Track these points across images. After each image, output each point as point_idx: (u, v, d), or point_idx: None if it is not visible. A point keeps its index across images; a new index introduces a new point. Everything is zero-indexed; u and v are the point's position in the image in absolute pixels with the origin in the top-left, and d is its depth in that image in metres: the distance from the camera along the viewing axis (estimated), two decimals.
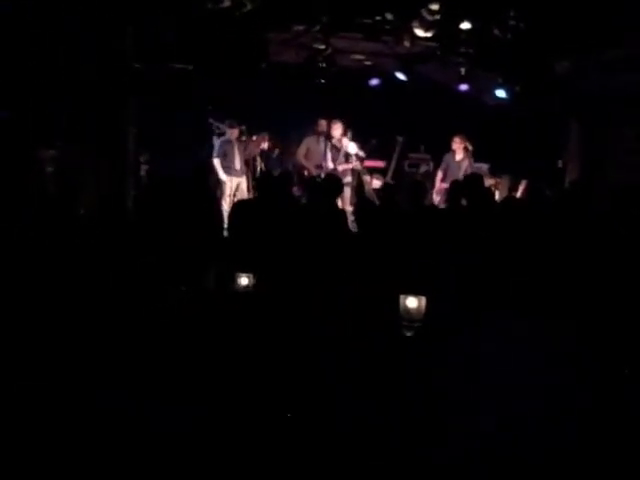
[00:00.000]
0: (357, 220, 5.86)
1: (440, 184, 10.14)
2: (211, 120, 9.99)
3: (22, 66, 7.15)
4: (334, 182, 6.29)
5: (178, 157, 9.48)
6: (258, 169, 10.11)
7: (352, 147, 10.01)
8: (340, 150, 9.99)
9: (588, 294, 4.65)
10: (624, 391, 3.64)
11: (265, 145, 10.28)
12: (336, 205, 6.42)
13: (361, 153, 10.08)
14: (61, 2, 6.67)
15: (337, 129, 9.99)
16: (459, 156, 10.15)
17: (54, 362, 3.75)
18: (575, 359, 3.82)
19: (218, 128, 10.00)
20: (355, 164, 10.08)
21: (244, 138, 10.06)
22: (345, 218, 6.23)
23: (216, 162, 9.76)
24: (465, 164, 10.03)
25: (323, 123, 10.12)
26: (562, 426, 3.35)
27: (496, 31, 8.48)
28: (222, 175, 9.70)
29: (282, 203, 5.94)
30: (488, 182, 9.87)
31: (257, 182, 8.32)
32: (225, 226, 6.51)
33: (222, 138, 9.90)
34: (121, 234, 5.82)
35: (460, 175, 9.60)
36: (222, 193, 9.72)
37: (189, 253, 5.29)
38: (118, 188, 8.15)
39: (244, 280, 4.66)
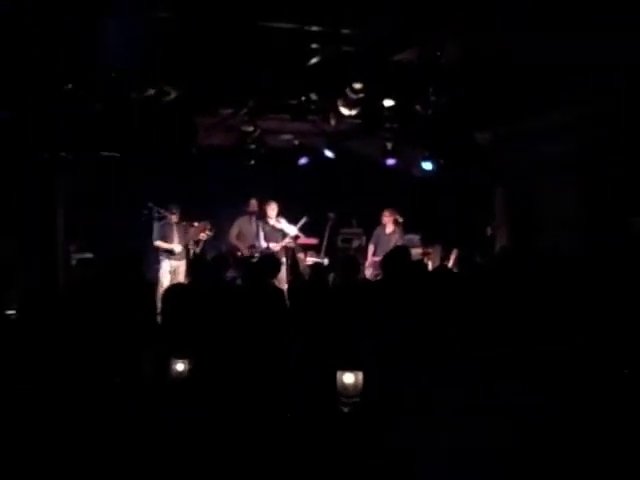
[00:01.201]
0: (290, 298, 5.85)
1: (371, 258, 10.29)
2: (150, 204, 9.92)
3: (22, 66, 7.01)
4: (271, 262, 6.29)
5: (109, 244, 9.37)
6: (191, 252, 10.04)
7: (291, 228, 10.13)
8: (275, 230, 10.07)
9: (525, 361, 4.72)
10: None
11: (205, 235, 10.18)
12: (273, 285, 6.41)
13: (299, 233, 10.19)
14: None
15: (272, 210, 10.12)
16: (389, 229, 10.35)
17: None
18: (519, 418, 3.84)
19: (158, 212, 9.94)
20: (288, 242, 10.15)
21: (184, 223, 10.03)
22: (283, 297, 6.22)
23: (159, 243, 9.75)
24: (395, 237, 10.21)
25: (254, 203, 10.21)
26: None
27: (417, 107, 8.74)
28: (163, 256, 9.67)
29: (216, 286, 5.91)
30: (419, 252, 10.05)
31: (190, 266, 8.26)
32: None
33: (162, 221, 9.86)
34: (52, 328, 5.67)
35: (390, 248, 9.77)
36: (159, 278, 9.62)
37: (123, 342, 5.18)
38: (48, 279, 7.99)
39: (179, 366, 4.58)
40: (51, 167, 8.23)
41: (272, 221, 10.14)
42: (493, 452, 3.55)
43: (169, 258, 9.72)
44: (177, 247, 9.74)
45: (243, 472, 3.58)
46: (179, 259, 9.80)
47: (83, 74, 7.37)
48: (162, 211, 9.88)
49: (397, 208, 10.47)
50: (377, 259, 9.98)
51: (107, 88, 7.76)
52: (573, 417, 3.85)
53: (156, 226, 9.83)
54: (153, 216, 9.92)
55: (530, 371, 4.40)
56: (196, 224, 10.01)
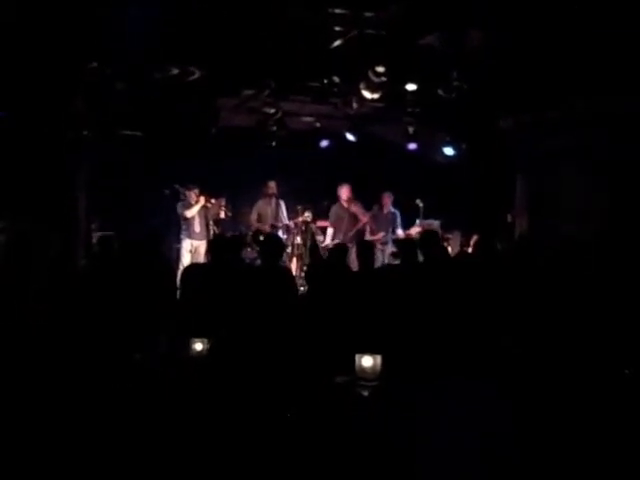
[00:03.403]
0: (307, 278, 5.83)
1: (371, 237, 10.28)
2: (177, 186, 9.97)
3: (46, 44, 7.05)
4: (274, 242, 6.25)
5: (129, 223, 9.44)
6: (211, 232, 10.09)
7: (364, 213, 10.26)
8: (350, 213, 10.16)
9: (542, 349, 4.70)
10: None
11: (222, 212, 10.24)
12: (282, 266, 6.42)
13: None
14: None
15: (344, 193, 10.21)
16: (386, 210, 10.45)
17: None
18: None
19: (183, 194, 10.00)
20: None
21: (202, 198, 10.07)
22: (292, 276, 6.24)
23: (187, 213, 9.83)
24: (391, 217, 10.42)
25: (272, 185, 10.22)
26: None
27: (440, 91, 8.68)
28: (184, 235, 9.80)
29: (233, 266, 5.92)
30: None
31: (210, 245, 8.28)
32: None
33: (183, 201, 9.91)
34: (72, 304, 5.72)
35: (388, 227, 10.22)
36: (179, 256, 9.71)
37: (142, 319, 5.22)
38: (70, 256, 8.04)
39: (198, 345, 4.61)
40: (73, 145, 8.25)
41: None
42: (493, 450, 3.55)
43: (190, 237, 9.78)
44: (197, 226, 9.80)
45: (260, 454, 3.60)
46: (200, 238, 9.85)
47: (107, 53, 7.39)
48: (183, 189, 9.93)
49: (418, 192, 10.47)
50: (375, 238, 10.09)
51: (130, 67, 7.77)
52: (574, 417, 3.84)
53: (179, 205, 9.89)
54: (179, 197, 9.99)
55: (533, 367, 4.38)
56: (213, 201, 10.04)
